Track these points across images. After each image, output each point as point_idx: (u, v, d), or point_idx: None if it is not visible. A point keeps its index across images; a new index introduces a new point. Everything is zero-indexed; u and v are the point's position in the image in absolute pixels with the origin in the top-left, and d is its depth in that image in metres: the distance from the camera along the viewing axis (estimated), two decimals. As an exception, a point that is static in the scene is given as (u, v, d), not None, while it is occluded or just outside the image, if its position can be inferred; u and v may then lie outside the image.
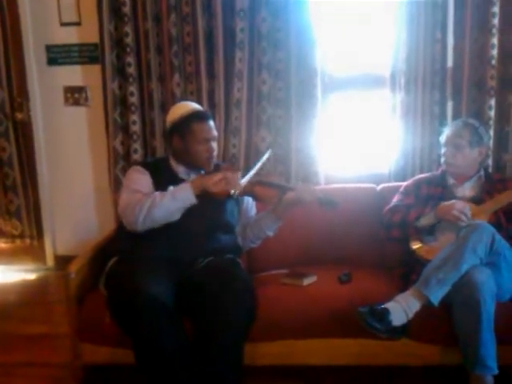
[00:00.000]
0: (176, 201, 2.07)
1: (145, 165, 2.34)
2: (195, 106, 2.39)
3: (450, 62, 2.93)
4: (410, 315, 1.96)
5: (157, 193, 2.12)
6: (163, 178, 2.25)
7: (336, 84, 3.13)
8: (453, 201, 2.24)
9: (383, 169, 3.09)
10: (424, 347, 2.08)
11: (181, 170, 2.31)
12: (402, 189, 2.51)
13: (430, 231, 2.28)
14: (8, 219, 3.57)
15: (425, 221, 2.27)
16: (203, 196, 2.10)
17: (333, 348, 2.13)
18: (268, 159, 2.93)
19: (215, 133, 2.32)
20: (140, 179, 2.24)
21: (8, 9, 3.31)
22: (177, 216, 2.10)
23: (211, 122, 2.30)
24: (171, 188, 2.12)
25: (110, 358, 2.18)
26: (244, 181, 2.13)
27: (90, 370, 2.25)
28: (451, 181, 2.43)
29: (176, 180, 2.26)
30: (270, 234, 2.35)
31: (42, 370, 2.44)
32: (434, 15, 2.86)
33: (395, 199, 2.47)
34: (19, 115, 3.43)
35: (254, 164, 2.24)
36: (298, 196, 2.15)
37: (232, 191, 2.05)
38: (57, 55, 3.34)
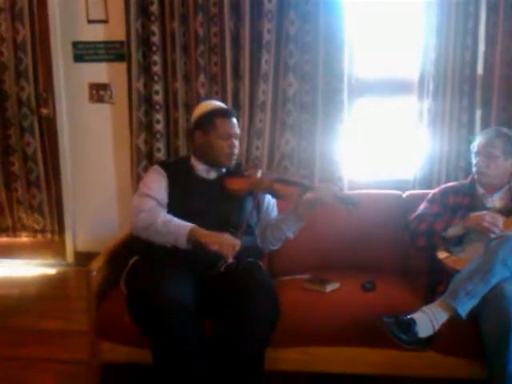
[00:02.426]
0: (171, 235, 2.05)
1: (164, 165, 2.34)
2: (220, 104, 2.42)
3: (480, 70, 2.88)
4: (437, 327, 1.92)
5: (161, 215, 2.10)
6: (182, 178, 2.26)
7: (363, 88, 3.11)
8: (483, 212, 2.19)
9: (407, 175, 3.05)
10: (449, 360, 2.03)
11: (201, 168, 2.30)
12: (429, 197, 2.47)
13: (458, 242, 2.23)
14: (30, 214, 3.60)
15: (452, 231, 2.23)
16: (223, 197, 2.09)
17: (355, 357, 2.10)
18: (288, 158, 2.97)
19: (238, 130, 2.31)
20: (155, 183, 2.24)
21: (37, 5, 3.34)
22: (169, 245, 2.07)
23: (234, 120, 2.30)
24: (175, 221, 2.08)
25: (127, 357, 2.17)
26: (264, 177, 2.12)
27: (108, 368, 2.24)
28: (481, 191, 2.38)
29: (194, 179, 2.26)
30: (291, 235, 2.31)
31: (59, 365, 2.45)
32: (465, 21, 2.82)
33: (422, 207, 2.43)
34: (44, 110, 3.46)
35: None
36: (319, 195, 2.11)
37: (220, 263, 1.99)
38: (83, 52, 3.37)
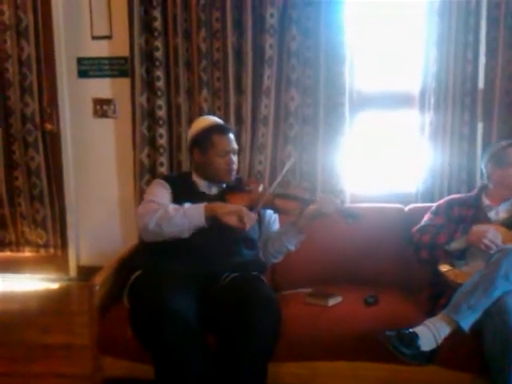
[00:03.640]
0: (186, 218, 2.05)
1: (167, 178, 2.37)
2: (216, 119, 2.43)
3: (481, 83, 2.89)
4: (439, 341, 1.91)
5: (171, 205, 2.12)
6: (184, 192, 2.27)
7: (364, 101, 3.12)
8: (485, 227, 2.17)
9: (410, 189, 3.05)
10: (452, 374, 2.01)
11: (202, 184, 2.32)
12: (433, 208, 2.46)
13: (461, 256, 2.23)
14: (33, 228, 3.60)
15: (455, 245, 2.22)
16: (215, 222, 2.07)
17: (358, 371, 2.08)
18: (290, 171, 2.97)
19: (235, 146, 2.32)
20: (159, 192, 2.25)
21: (42, 21, 3.37)
22: (186, 234, 2.08)
23: (231, 135, 2.32)
24: (187, 205, 2.11)
25: (130, 371, 2.16)
26: (265, 192, 2.13)
27: (110, 383, 2.23)
28: (486, 202, 2.38)
29: (197, 194, 2.27)
30: (292, 248, 2.31)
31: (62, 380, 2.44)
32: (465, 35, 2.83)
33: (426, 218, 2.42)
34: (48, 126, 3.48)
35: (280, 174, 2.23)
36: (319, 207, 2.11)
37: (238, 230, 2.01)
38: (87, 68, 3.40)
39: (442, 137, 2.91)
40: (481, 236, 2.13)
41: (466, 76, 2.86)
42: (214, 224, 2.07)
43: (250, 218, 2.01)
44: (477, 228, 2.18)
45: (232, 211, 2.01)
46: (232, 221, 2.00)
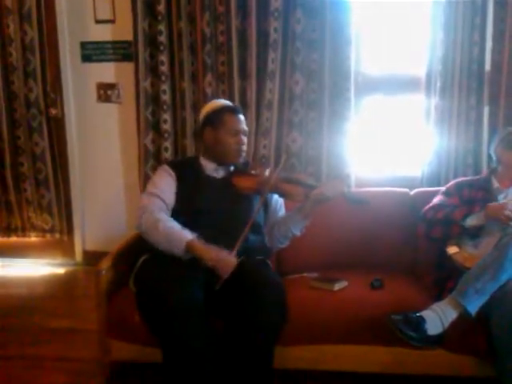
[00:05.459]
0: (168, 243, 2.06)
1: (173, 164, 2.37)
2: (227, 102, 2.46)
3: (487, 66, 2.87)
4: (446, 324, 1.92)
5: (162, 222, 2.09)
6: (190, 176, 2.28)
7: (370, 85, 3.10)
8: (504, 201, 2.17)
9: (415, 173, 3.04)
10: (458, 358, 2.02)
11: (210, 168, 2.32)
12: (443, 190, 2.46)
13: (473, 236, 2.22)
14: (39, 213, 3.61)
15: (472, 221, 2.20)
16: (231, 195, 2.09)
17: (364, 355, 2.10)
18: (295, 156, 2.96)
19: (245, 127, 2.34)
20: (163, 183, 2.26)
21: (45, 6, 3.35)
22: (167, 253, 2.07)
23: (242, 116, 2.34)
24: (176, 227, 2.08)
25: (136, 355, 2.18)
26: (272, 176, 2.12)
27: (116, 366, 2.25)
28: (496, 184, 2.38)
29: (203, 178, 2.28)
30: (297, 233, 2.32)
31: (68, 364, 2.46)
32: (472, 17, 2.80)
33: (437, 200, 2.41)
34: (53, 111, 3.47)
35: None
36: (325, 192, 2.11)
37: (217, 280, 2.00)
38: (91, 52, 3.38)
39: (448, 121, 2.90)
40: (501, 208, 2.12)
41: (472, 59, 2.84)
42: (220, 210, 2.06)
43: (227, 268, 2.00)
44: (495, 203, 2.18)
45: (212, 259, 1.99)
46: (214, 265, 2.00)
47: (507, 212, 2.10)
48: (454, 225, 2.23)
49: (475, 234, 2.22)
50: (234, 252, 2.04)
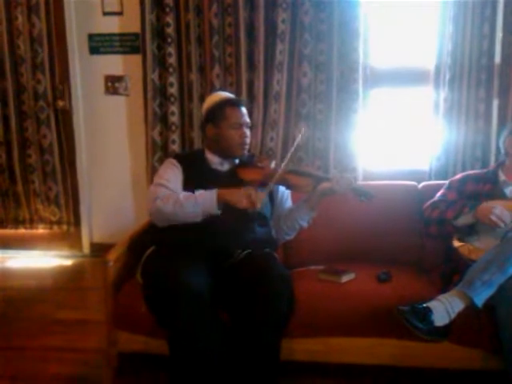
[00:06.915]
0: (198, 205, 2.06)
1: (180, 157, 2.36)
2: (228, 94, 2.44)
3: (497, 59, 2.84)
4: (453, 316, 1.91)
5: (182, 193, 2.12)
6: (196, 170, 2.27)
7: (378, 78, 3.08)
8: (494, 204, 2.15)
9: (423, 166, 3.03)
10: (465, 350, 2.02)
11: (215, 161, 2.32)
12: (447, 183, 2.46)
13: (471, 231, 2.22)
14: (47, 205, 3.63)
15: (462, 220, 2.21)
16: (237, 188, 2.09)
17: (371, 347, 2.09)
18: (302, 148, 2.94)
19: (248, 119, 2.32)
20: (170, 174, 2.26)
21: (53, -2, 3.36)
22: (198, 219, 2.08)
23: (244, 109, 2.32)
24: (198, 192, 2.10)
25: (144, 346, 2.19)
26: (278, 168, 2.11)
27: (124, 357, 2.26)
28: (502, 177, 2.37)
29: (209, 171, 2.28)
30: (304, 224, 2.31)
31: (76, 354, 2.47)
32: (482, 9, 2.78)
33: (439, 193, 2.42)
34: (60, 103, 3.48)
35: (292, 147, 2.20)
36: (333, 185, 2.09)
37: (251, 210, 2.02)
38: (99, 44, 3.38)
39: (457, 114, 2.88)
40: (487, 212, 2.11)
41: (481, 52, 2.82)
42: (226, 207, 2.07)
43: (259, 197, 2.01)
44: (485, 204, 2.17)
45: (241, 194, 2.02)
46: (243, 204, 2.01)
47: (493, 217, 2.09)
48: (447, 224, 2.24)
49: (471, 231, 2.21)
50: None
